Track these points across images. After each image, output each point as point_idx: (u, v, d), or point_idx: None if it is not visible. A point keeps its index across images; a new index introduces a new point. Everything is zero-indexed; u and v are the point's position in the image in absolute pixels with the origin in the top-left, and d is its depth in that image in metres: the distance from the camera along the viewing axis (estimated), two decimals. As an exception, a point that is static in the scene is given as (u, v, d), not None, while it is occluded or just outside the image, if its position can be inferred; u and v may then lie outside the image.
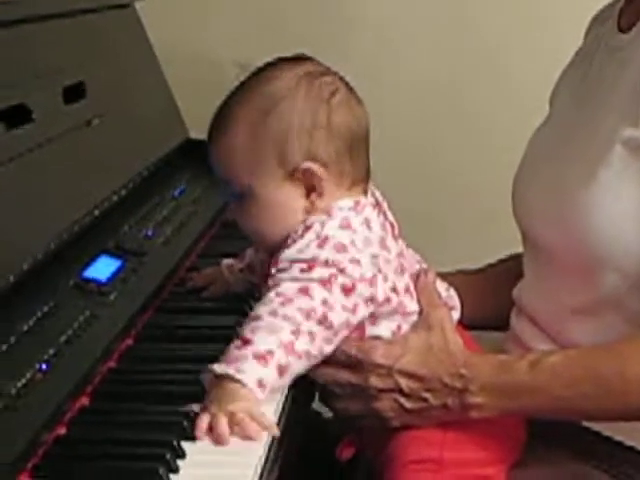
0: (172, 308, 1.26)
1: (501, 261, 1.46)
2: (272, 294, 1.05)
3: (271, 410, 1.03)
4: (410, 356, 1.11)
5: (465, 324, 1.24)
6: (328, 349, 1.07)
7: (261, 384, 0.99)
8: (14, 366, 0.97)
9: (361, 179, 1.15)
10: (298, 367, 1.04)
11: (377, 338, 1.13)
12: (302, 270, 1.06)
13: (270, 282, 1.07)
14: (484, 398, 1.09)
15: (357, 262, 1.08)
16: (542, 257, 1.23)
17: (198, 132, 1.62)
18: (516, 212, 1.30)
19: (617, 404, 1.07)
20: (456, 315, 1.22)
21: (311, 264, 1.06)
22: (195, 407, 0.99)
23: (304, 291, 1.05)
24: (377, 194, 1.19)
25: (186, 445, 0.93)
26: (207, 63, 1.99)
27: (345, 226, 1.10)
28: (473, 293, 1.38)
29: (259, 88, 1.13)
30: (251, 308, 1.26)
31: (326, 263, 1.06)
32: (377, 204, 1.17)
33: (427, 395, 1.10)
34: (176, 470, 0.90)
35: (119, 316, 1.15)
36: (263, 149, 1.11)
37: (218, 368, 0.99)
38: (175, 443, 0.92)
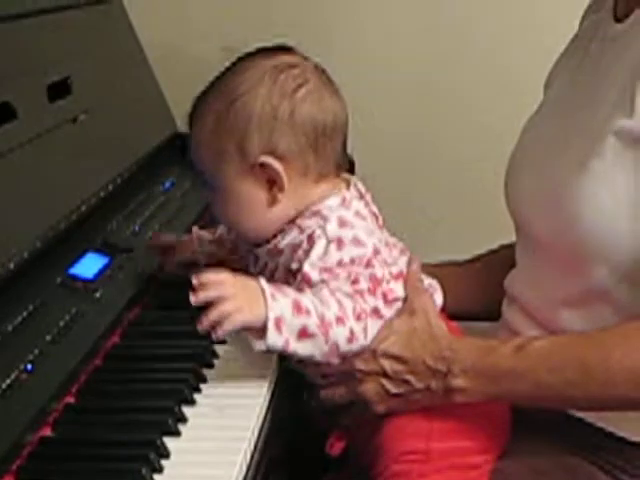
0: (159, 305, 1.25)
1: (492, 252, 1.45)
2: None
3: (259, 404, 1.03)
4: (394, 338, 1.12)
5: (456, 314, 1.24)
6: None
7: (278, 322, 1.03)
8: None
9: (329, 172, 1.15)
10: (315, 348, 1.06)
11: None
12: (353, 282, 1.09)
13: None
14: (467, 381, 1.09)
15: (378, 251, 1.12)
16: (533, 246, 1.22)
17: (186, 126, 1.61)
18: (508, 200, 1.29)
19: (601, 393, 1.06)
20: (439, 300, 1.22)
21: (355, 277, 1.09)
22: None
23: (360, 294, 1.09)
24: (359, 185, 1.19)
25: (171, 444, 0.93)
26: (194, 55, 1.98)
27: (343, 224, 1.11)
28: (464, 283, 1.39)
29: (226, 81, 1.14)
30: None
31: (353, 262, 1.09)
32: (361, 196, 1.17)
33: (410, 378, 1.11)
34: (160, 470, 0.90)
35: (105, 314, 1.15)
36: (224, 142, 1.11)
37: (261, 282, 1.05)
38: (159, 443, 0.92)
